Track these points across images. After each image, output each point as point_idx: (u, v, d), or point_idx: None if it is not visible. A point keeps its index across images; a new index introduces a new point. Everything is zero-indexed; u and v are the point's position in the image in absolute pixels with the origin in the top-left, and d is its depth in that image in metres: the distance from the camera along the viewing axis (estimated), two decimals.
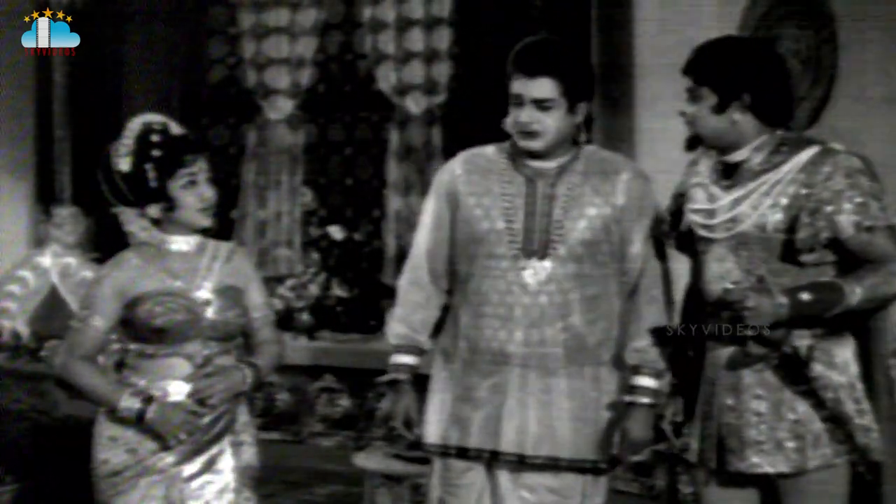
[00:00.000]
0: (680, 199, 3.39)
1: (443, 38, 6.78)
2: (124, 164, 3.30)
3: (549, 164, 3.49)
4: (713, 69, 3.22)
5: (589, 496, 3.52)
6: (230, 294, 3.36)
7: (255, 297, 3.44)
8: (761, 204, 3.19)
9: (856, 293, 3.10)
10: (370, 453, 5.39)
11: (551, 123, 3.42)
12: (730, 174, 3.25)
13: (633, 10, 5.70)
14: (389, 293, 5.90)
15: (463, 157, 3.61)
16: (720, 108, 3.22)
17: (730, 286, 3.14)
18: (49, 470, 5.45)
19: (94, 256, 6.12)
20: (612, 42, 5.79)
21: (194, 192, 3.30)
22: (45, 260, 5.99)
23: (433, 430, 3.56)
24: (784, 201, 3.17)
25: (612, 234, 3.48)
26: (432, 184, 3.64)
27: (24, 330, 5.85)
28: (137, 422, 3.26)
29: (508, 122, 3.47)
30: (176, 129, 3.34)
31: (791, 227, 3.15)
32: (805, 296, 3.10)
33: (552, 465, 3.46)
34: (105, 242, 6.43)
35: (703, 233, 3.26)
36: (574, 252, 3.45)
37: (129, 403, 3.26)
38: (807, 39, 5.06)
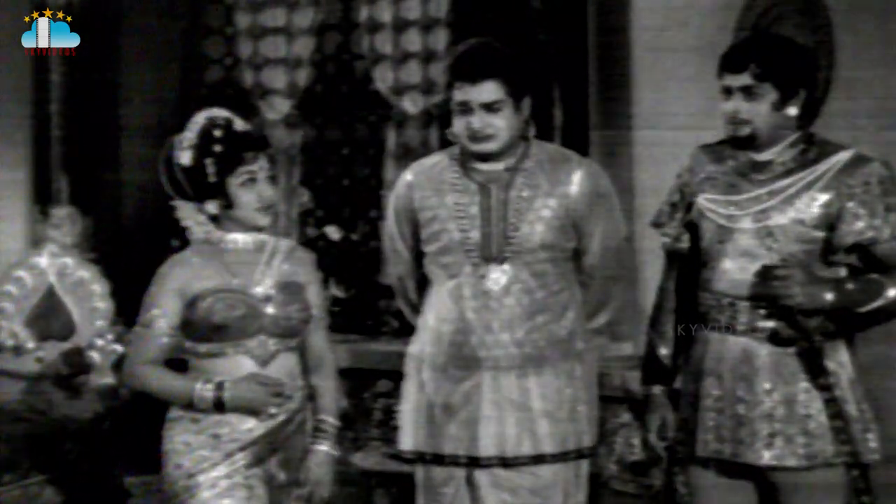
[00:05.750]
0: (687, 189, 3.40)
1: (440, 39, 6.76)
2: (185, 158, 3.27)
3: (499, 167, 3.52)
4: (779, 65, 3.20)
5: (572, 494, 3.54)
6: (291, 289, 3.33)
7: (312, 297, 3.41)
8: (798, 199, 3.21)
9: (892, 291, 3.15)
10: (368, 453, 5.39)
11: (503, 124, 3.46)
12: (757, 168, 3.27)
13: (630, 12, 5.69)
14: (387, 293, 5.91)
15: (413, 169, 3.65)
16: (781, 105, 3.21)
17: (776, 263, 3.16)
18: (47, 470, 5.45)
19: (92, 257, 6.12)
20: (609, 44, 5.79)
21: (253, 191, 3.28)
22: (42, 260, 5.99)
23: (408, 437, 3.58)
24: (823, 198, 3.20)
25: (569, 231, 3.52)
26: (389, 201, 3.67)
27: (21, 330, 5.84)
28: (217, 409, 3.23)
29: (456, 131, 3.49)
30: (240, 124, 3.33)
31: (829, 224, 3.19)
32: (850, 285, 3.15)
33: (536, 462, 3.47)
34: (102, 243, 6.45)
35: (723, 222, 3.27)
36: (534, 255, 3.49)
37: (202, 393, 3.23)
38: (803, 40, 5.07)
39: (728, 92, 3.24)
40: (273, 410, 3.28)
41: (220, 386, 3.24)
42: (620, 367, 5.00)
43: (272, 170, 3.34)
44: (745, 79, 3.20)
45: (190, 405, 3.26)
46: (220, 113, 3.35)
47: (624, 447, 5.10)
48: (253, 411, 3.26)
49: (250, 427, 3.28)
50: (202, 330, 3.27)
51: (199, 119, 3.33)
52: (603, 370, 4.52)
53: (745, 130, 3.23)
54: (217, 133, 3.29)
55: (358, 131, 7.32)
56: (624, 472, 5.13)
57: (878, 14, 4.75)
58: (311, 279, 3.43)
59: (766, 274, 3.17)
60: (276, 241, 3.42)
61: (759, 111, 3.21)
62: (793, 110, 3.22)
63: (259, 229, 3.35)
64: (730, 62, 3.24)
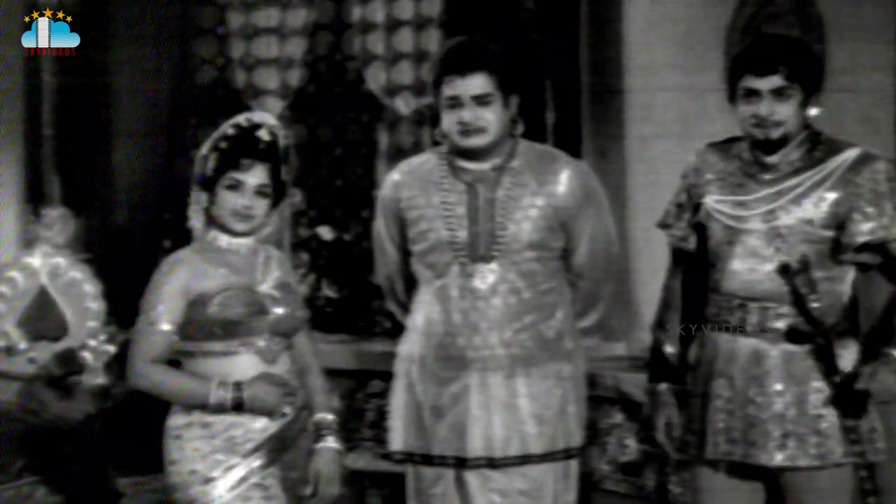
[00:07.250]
0: (694, 189, 3.39)
1: (432, 39, 6.77)
2: (204, 148, 3.35)
3: (486, 166, 3.52)
4: (805, 65, 3.21)
5: (561, 495, 3.55)
6: (289, 290, 3.39)
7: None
8: (806, 199, 3.22)
9: None
10: (360, 454, 5.39)
11: (493, 118, 3.48)
12: (765, 168, 3.27)
13: (622, 12, 5.70)
14: (379, 294, 5.90)
15: (401, 169, 3.66)
16: (804, 105, 3.22)
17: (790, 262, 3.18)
18: (39, 471, 5.44)
19: (84, 257, 6.11)
20: (601, 45, 5.79)
21: (233, 197, 3.31)
22: (35, 261, 5.98)
23: (397, 437, 3.58)
24: (831, 197, 3.21)
25: (556, 231, 3.52)
26: (377, 201, 3.68)
27: (13, 331, 5.83)
28: (236, 410, 3.24)
29: (446, 127, 3.50)
30: (264, 132, 3.34)
31: (838, 224, 3.19)
32: None
33: (524, 462, 3.48)
34: (94, 243, 6.45)
35: (731, 223, 3.27)
36: (522, 254, 3.49)
37: (220, 394, 3.24)
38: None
39: (751, 95, 3.21)
40: (286, 409, 3.30)
41: (238, 387, 3.24)
42: (613, 368, 5.01)
43: (269, 184, 3.34)
44: (776, 81, 3.18)
45: (202, 406, 3.26)
46: (255, 117, 3.40)
47: (616, 448, 5.10)
48: (268, 411, 3.28)
49: (263, 426, 3.29)
50: (210, 328, 3.28)
51: (238, 118, 3.39)
52: (595, 370, 4.53)
53: (778, 132, 3.21)
54: (230, 132, 3.34)
55: (350, 132, 7.32)
56: (616, 472, 5.13)
57: (868, 12, 4.76)
58: (294, 283, 3.51)
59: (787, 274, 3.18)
60: (267, 247, 3.47)
61: (790, 112, 3.21)
62: (813, 109, 3.24)
63: (235, 234, 3.37)
64: (757, 65, 3.20)
